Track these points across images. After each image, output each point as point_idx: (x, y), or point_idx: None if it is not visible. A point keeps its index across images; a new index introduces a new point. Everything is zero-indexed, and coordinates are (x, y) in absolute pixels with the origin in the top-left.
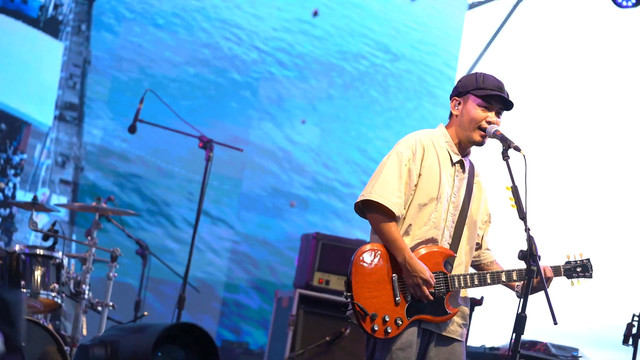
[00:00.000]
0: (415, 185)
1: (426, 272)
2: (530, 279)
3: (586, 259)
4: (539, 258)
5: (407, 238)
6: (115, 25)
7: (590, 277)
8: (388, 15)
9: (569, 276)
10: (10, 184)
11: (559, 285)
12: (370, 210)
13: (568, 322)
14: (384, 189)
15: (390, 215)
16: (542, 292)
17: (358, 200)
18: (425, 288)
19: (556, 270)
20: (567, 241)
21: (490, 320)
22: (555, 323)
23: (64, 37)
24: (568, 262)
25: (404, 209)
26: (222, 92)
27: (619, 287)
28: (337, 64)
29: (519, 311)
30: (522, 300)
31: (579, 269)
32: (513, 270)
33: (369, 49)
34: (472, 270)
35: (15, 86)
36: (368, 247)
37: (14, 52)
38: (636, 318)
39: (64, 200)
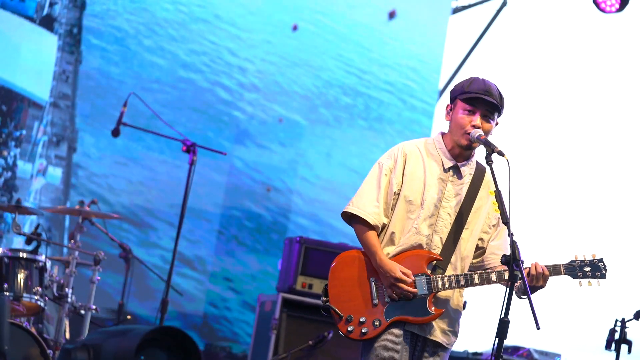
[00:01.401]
0: (397, 193)
1: (397, 270)
2: (513, 283)
3: (598, 259)
4: (522, 263)
5: (392, 246)
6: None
7: (604, 277)
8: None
9: (574, 276)
10: (12, 154)
11: (543, 289)
12: (354, 221)
13: (551, 327)
14: (361, 200)
15: (367, 225)
16: (525, 297)
17: (342, 212)
18: (401, 285)
19: (556, 269)
20: (551, 245)
21: (473, 325)
22: (538, 328)
23: (58, 36)
24: (573, 262)
25: (386, 217)
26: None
27: (602, 292)
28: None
29: (502, 316)
30: (504, 305)
31: (588, 269)
32: (505, 270)
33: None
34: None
35: (13, 64)
36: (346, 253)
37: (11, 36)
38: (619, 323)
39: (59, 172)
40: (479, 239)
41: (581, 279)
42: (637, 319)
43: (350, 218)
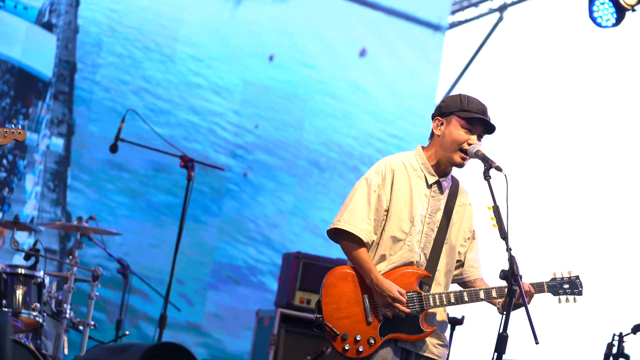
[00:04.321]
0: (387, 210)
1: (394, 290)
2: (512, 298)
3: (575, 276)
4: (521, 277)
5: (384, 263)
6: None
7: (580, 294)
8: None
9: (555, 293)
10: (19, 125)
11: (539, 304)
12: (341, 237)
13: (549, 342)
14: (352, 217)
15: (359, 242)
16: (524, 311)
17: (329, 228)
18: (397, 305)
19: (539, 287)
20: (548, 260)
21: (472, 340)
22: (537, 342)
23: (57, 38)
24: (554, 279)
25: (375, 234)
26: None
27: (599, 307)
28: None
29: (501, 330)
30: (503, 319)
31: (567, 286)
32: (492, 288)
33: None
34: (453, 289)
35: (21, 44)
36: (338, 270)
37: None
38: (616, 338)
39: (60, 142)
40: (457, 252)
41: (560, 296)
42: (634, 334)
43: (337, 234)
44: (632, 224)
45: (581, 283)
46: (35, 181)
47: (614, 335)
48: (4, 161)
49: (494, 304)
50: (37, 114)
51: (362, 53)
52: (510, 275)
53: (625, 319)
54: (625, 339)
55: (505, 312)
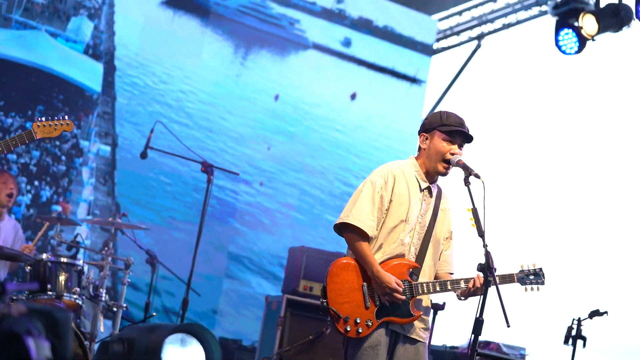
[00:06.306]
0: (387, 210)
1: (392, 281)
2: (488, 288)
3: (538, 269)
4: (495, 270)
5: (379, 253)
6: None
7: (543, 284)
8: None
9: (522, 283)
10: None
11: (510, 292)
12: (347, 230)
13: (517, 325)
14: (360, 213)
15: (363, 236)
16: (497, 299)
17: (337, 222)
18: (395, 294)
19: (510, 278)
20: (519, 254)
21: (451, 323)
22: (508, 326)
23: (102, 66)
24: (521, 271)
25: (377, 229)
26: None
27: (561, 295)
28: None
29: (477, 315)
30: (479, 306)
31: (532, 277)
32: (470, 278)
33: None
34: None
35: (75, 67)
36: (342, 260)
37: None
38: (575, 322)
39: (107, 149)
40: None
41: (527, 286)
42: (591, 318)
43: (343, 228)
44: (591, 223)
45: (544, 274)
46: (89, 174)
47: (573, 319)
48: (63, 157)
49: (455, 292)
50: (88, 126)
51: (353, 97)
52: (486, 268)
53: (583, 306)
54: (583, 322)
55: (481, 300)
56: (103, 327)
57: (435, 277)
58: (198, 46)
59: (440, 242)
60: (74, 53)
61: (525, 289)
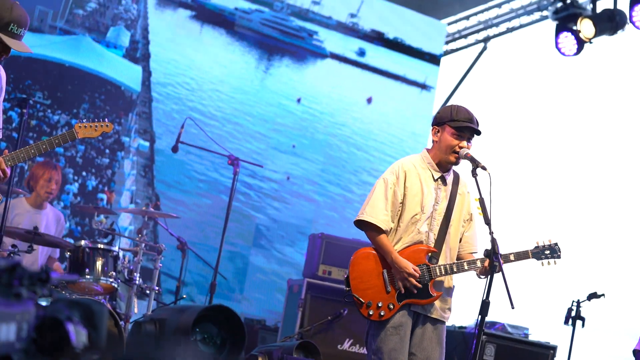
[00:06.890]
0: (402, 203)
1: (409, 267)
2: (493, 272)
3: (554, 243)
4: (500, 255)
5: (399, 243)
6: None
7: (559, 257)
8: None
9: (538, 258)
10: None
11: (515, 276)
12: (365, 227)
13: (521, 306)
14: (373, 210)
15: (378, 230)
16: (502, 282)
17: (355, 219)
18: (412, 279)
19: (524, 254)
20: (525, 238)
21: (460, 305)
22: (513, 307)
23: (141, 69)
24: (537, 247)
25: (393, 222)
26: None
27: (561, 278)
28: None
29: (484, 298)
30: (486, 289)
31: (548, 252)
32: (485, 258)
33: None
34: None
35: (115, 68)
36: (362, 251)
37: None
38: (575, 303)
39: (146, 144)
40: (460, 232)
41: (543, 260)
42: (589, 300)
43: (361, 224)
44: (589, 213)
45: (559, 248)
46: (131, 166)
47: (573, 301)
48: (107, 151)
49: (475, 271)
50: (128, 123)
51: (369, 100)
52: (492, 253)
53: (582, 288)
54: (582, 304)
55: (487, 284)
56: (137, 308)
57: (458, 258)
58: (224, 55)
59: (461, 225)
60: (115, 56)
61: (542, 264)
